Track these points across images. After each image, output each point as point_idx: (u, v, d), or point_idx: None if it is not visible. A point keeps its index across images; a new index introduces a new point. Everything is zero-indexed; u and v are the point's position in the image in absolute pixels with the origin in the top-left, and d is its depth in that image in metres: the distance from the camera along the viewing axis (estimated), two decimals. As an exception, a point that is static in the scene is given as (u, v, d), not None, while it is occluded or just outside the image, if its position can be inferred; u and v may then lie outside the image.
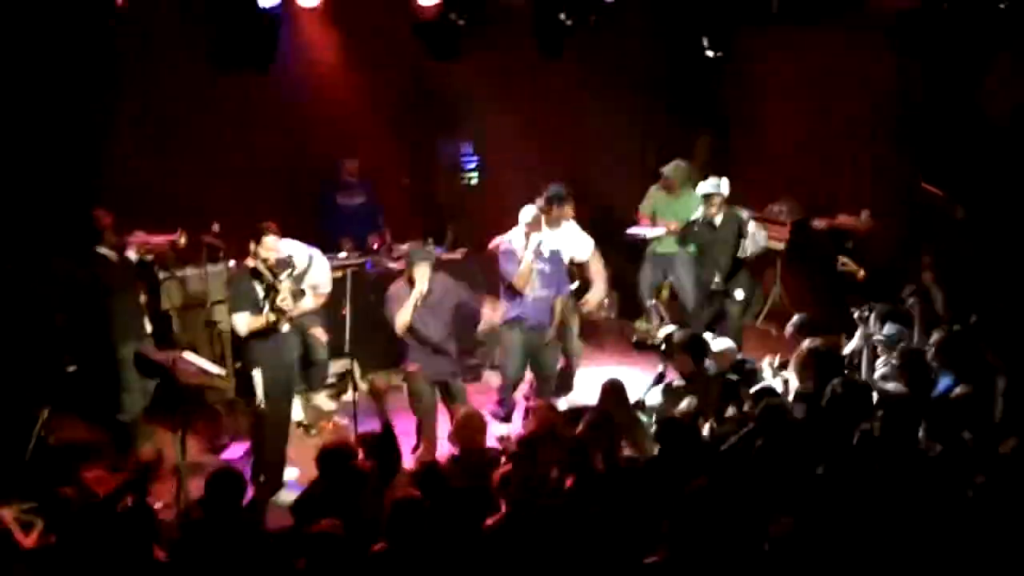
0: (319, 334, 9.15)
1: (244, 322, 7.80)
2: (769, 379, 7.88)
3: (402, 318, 8.36)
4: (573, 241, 9.36)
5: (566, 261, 9.27)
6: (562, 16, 10.43)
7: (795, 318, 8.50)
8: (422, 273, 8.34)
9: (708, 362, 7.99)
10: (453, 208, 11.67)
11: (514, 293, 8.84)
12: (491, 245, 9.25)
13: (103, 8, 9.10)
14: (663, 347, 8.35)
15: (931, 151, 10.46)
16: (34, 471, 7.94)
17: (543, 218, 8.95)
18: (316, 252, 9.28)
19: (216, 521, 5.50)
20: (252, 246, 7.85)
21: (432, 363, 8.54)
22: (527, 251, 8.79)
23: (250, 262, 7.86)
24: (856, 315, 8.38)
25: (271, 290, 7.86)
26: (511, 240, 8.94)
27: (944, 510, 5.31)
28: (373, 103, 11.14)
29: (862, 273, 9.55)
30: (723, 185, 10.05)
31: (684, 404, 7.49)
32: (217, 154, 10.30)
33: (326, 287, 9.25)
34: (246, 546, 5.41)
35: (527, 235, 8.85)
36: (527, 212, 8.89)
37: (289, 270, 7.95)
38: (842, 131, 11.59)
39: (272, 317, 7.82)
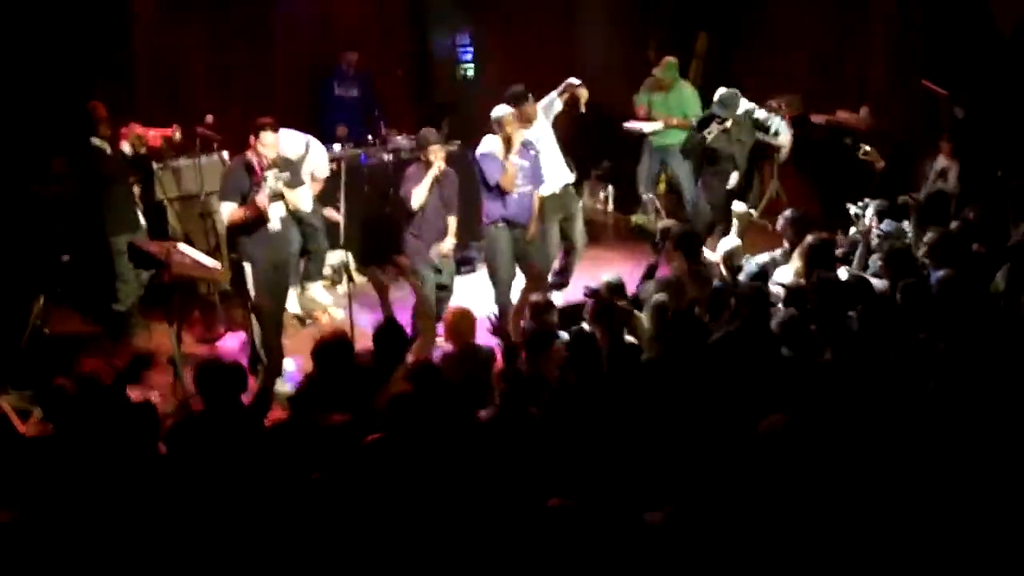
0: (330, 214, 9.06)
1: (227, 211, 7.76)
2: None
3: (418, 195, 8.36)
4: (545, 135, 9.32)
5: (543, 152, 9.16)
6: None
7: (787, 212, 8.42)
8: (437, 153, 8.38)
9: (706, 255, 7.99)
10: (448, 100, 11.54)
11: (498, 194, 8.74)
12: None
13: None
14: (657, 241, 8.31)
15: (935, 52, 10.35)
16: (30, 361, 7.98)
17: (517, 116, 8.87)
18: (312, 139, 9.23)
19: (215, 413, 5.50)
20: (251, 140, 7.77)
21: (433, 249, 8.55)
22: (513, 151, 8.69)
23: (249, 155, 7.78)
24: (852, 211, 8.34)
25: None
26: (487, 143, 8.85)
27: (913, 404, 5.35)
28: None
29: (882, 163, 9.50)
30: (743, 105, 10.01)
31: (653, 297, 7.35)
32: (214, 47, 10.17)
33: (323, 171, 9.28)
34: (250, 437, 5.42)
35: (507, 137, 8.75)
36: (499, 111, 8.78)
37: (275, 170, 7.86)
38: (845, 29, 11.46)
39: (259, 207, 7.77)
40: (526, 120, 9.00)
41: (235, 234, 7.89)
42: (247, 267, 7.86)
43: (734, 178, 10.16)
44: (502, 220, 8.72)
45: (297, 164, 8.59)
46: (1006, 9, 9.92)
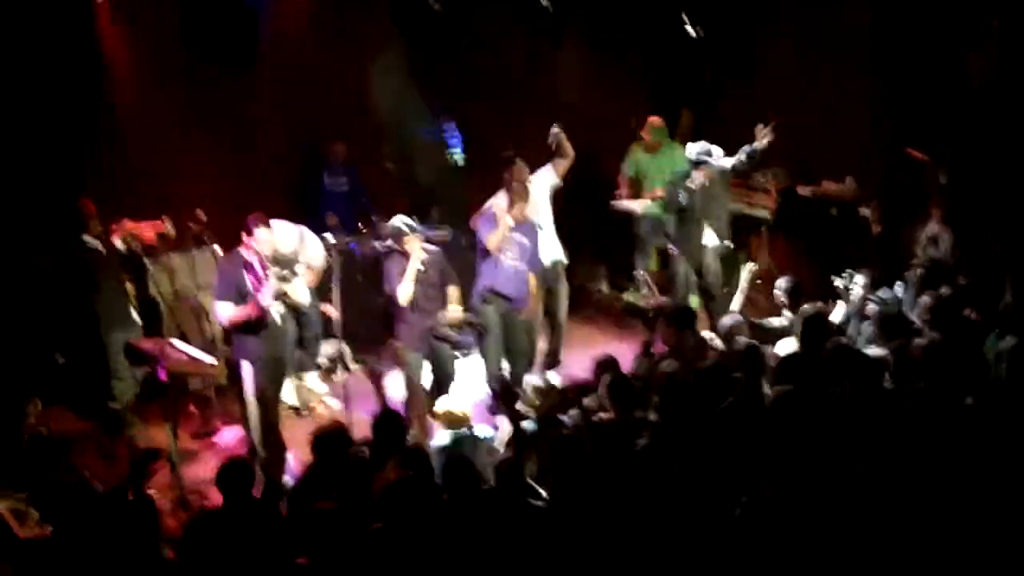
0: (328, 310, 9.04)
1: (226, 311, 7.77)
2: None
3: (404, 290, 8.33)
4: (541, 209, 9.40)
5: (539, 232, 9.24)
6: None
7: (783, 281, 8.45)
8: (413, 245, 8.36)
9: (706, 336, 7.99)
10: (438, 188, 11.61)
11: (492, 264, 8.77)
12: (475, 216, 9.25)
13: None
14: (651, 316, 8.33)
15: (915, 118, 10.46)
16: (26, 461, 7.93)
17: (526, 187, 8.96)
18: (305, 230, 9.25)
19: (234, 510, 5.49)
20: (244, 237, 7.82)
21: (426, 336, 8.54)
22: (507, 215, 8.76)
23: (243, 252, 7.82)
24: (839, 284, 8.38)
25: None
26: (492, 204, 8.93)
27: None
28: (358, 88, 11.14)
29: (879, 228, 9.55)
30: (715, 154, 9.91)
31: (664, 365, 7.35)
32: (203, 143, 10.22)
33: (319, 261, 9.24)
34: (266, 533, 5.40)
35: (512, 203, 8.81)
36: (517, 186, 8.88)
37: (276, 268, 7.91)
38: (827, 103, 11.58)
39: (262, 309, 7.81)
40: (519, 182, 9.05)
41: (232, 333, 7.89)
42: (245, 365, 7.85)
43: (711, 236, 10.06)
44: (490, 292, 8.74)
45: (292, 257, 8.64)
46: (978, 68, 10.04)
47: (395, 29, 10.32)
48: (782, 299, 8.23)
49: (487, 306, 8.86)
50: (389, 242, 9.03)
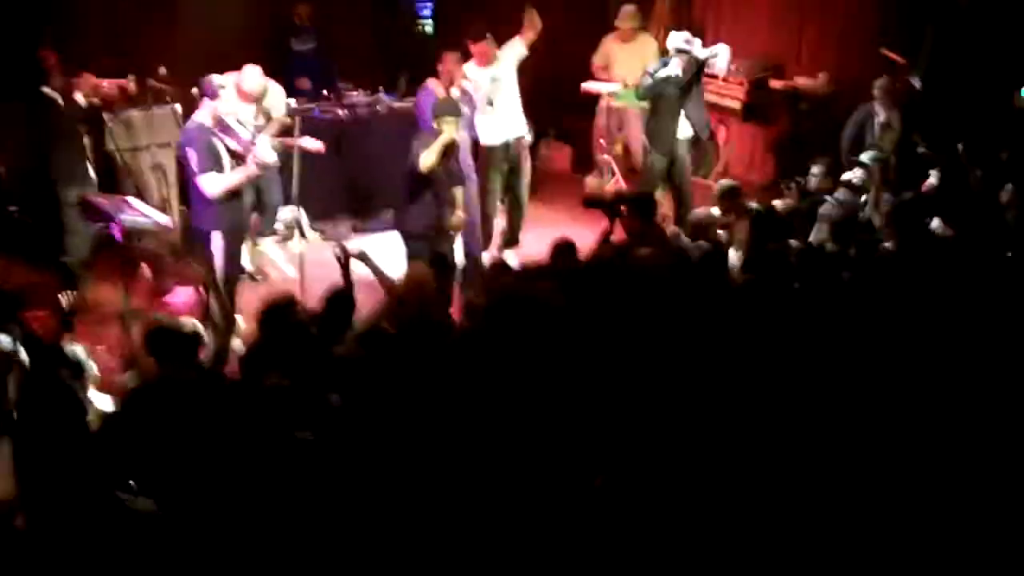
0: (306, 145, 8.76)
1: (217, 182, 7.60)
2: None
3: (427, 159, 7.99)
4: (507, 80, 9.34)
5: (504, 99, 9.22)
6: None
7: (720, 184, 8.43)
8: (449, 126, 8.06)
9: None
10: (407, 55, 11.45)
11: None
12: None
13: None
14: (612, 205, 8.26)
15: (893, 19, 10.36)
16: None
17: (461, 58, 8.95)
18: (270, 81, 9.15)
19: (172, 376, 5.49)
20: (205, 100, 7.66)
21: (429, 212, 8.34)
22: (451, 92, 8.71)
23: (205, 119, 7.67)
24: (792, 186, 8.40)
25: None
26: (432, 84, 8.86)
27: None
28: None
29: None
30: (696, 45, 9.72)
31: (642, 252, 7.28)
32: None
33: (279, 110, 9.17)
34: (214, 396, 5.40)
35: (449, 78, 8.76)
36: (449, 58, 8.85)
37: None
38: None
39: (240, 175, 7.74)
40: (482, 59, 9.01)
41: (198, 200, 7.75)
42: (217, 236, 7.78)
43: (686, 126, 9.91)
44: None
45: (262, 94, 8.72)
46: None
47: None
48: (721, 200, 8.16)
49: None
50: (360, 107, 8.85)
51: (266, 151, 8.12)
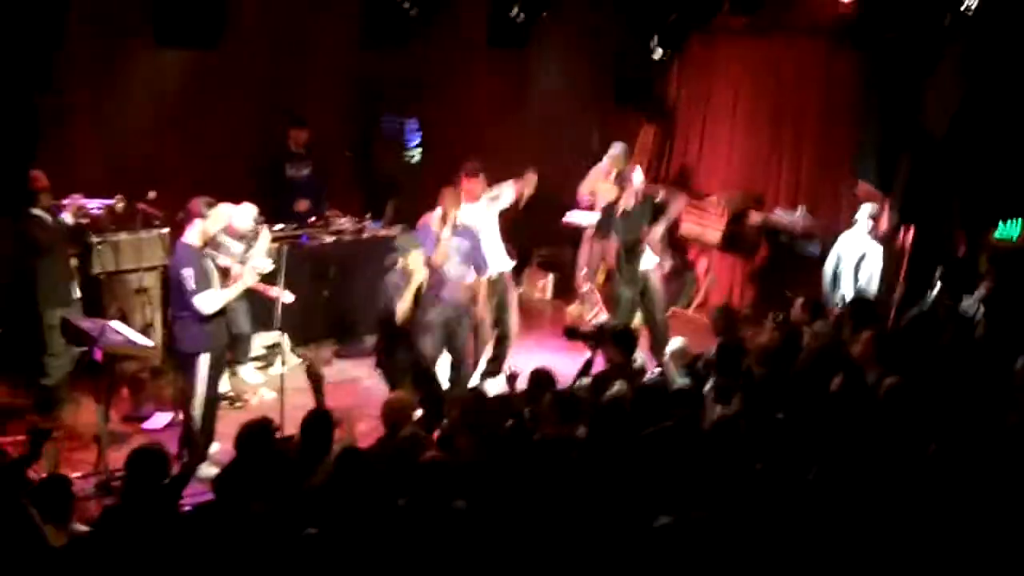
0: (277, 293, 8.65)
1: (213, 300, 7.67)
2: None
3: (402, 308, 8.30)
4: (488, 222, 9.46)
5: (484, 238, 9.27)
6: (514, 11, 10.47)
7: (716, 311, 8.55)
8: (416, 261, 8.32)
9: (638, 355, 8.04)
10: (394, 184, 11.61)
11: (433, 271, 8.81)
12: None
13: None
14: (593, 337, 8.30)
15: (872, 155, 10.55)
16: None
17: (459, 193, 9.03)
18: (264, 229, 9.24)
19: (136, 500, 5.45)
20: (198, 223, 7.77)
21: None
22: (445, 227, 8.79)
23: (194, 240, 7.77)
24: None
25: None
26: (430, 218, 8.97)
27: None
28: (321, 79, 11.15)
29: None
30: (635, 175, 9.98)
31: (616, 387, 7.38)
32: (160, 125, 10.17)
33: (264, 264, 9.03)
34: (163, 525, 5.36)
35: (444, 213, 8.86)
36: (447, 193, 8.93)
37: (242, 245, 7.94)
38: (784, 132, 11.70)
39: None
40: (471, 196, 9.16)
41: (184, 321, 7.80)
42: (204, 359, 7.80)
43: (651, 256, 10.01)
44: (435, 297, 8.76)
45: (249, 235, 8.83)
46: (939, 107, 10.10)
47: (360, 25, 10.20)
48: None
49: (430, 308, 8.86)
50: (348, 234, 8.90)
51: (262, 260, 8.26)
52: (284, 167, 10.77)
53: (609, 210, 10.05)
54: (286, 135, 10.84)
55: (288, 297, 8.58)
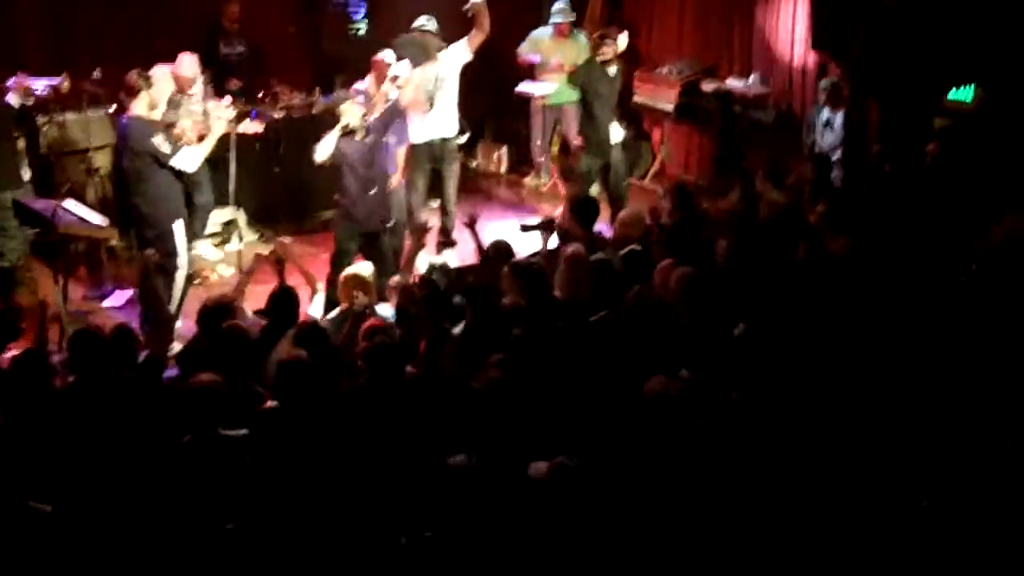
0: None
1: (193, 156, 7.75)
2: None
3: (322, 150, 8.27)
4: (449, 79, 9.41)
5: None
6: None
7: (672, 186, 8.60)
8: (349, 108, 8.29)
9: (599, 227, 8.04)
10: (341, 56, 11.44)
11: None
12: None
13: None
14: (546, 226, 8.19)
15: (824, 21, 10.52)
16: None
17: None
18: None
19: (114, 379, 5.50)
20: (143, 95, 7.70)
21: (362, 207, 8.43)
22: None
23: (142, 110, 7.70)
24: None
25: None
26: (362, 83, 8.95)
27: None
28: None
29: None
30: (621, 38, 9.93)
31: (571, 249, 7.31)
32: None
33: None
34: (146, 402, 5.42)
35: (379, 74, 8.80)
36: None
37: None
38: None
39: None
40: (426, 54, 9.11)
41: (161, 200, 7.81)
42: (179, 227, 7.85)
43: (618, 130, 10.09)
44: None
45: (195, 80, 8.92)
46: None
47: None
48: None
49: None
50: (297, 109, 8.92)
51: (224, 110, 8.43)
52: (218, 45, 10.50)
53: (587, 69, 9.96)
54: (219, 11, 10.54)
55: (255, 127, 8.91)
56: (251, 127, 9.23)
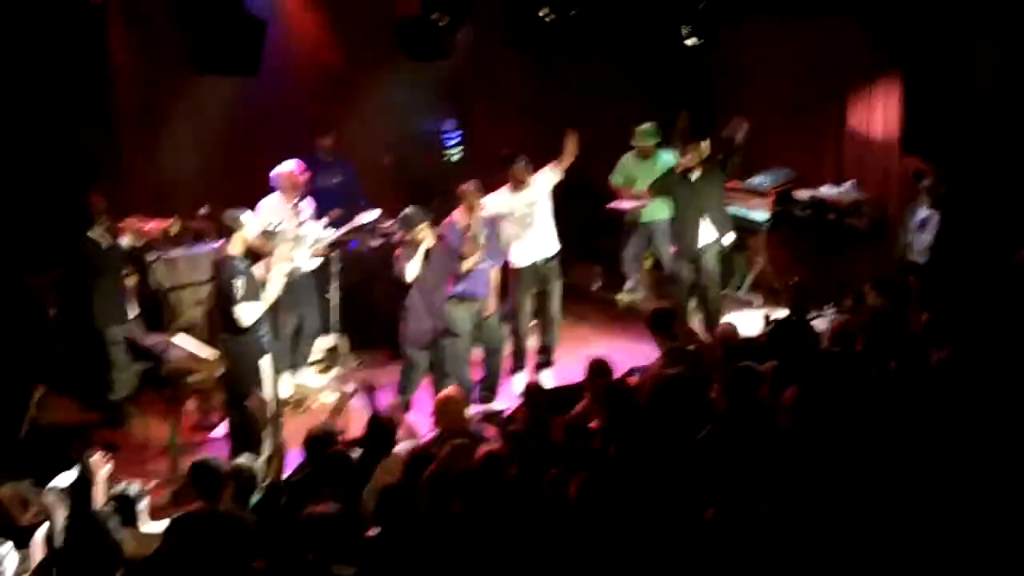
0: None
1: (252, 311, 7.82)
2: None
3: (411, 270, 8.58)
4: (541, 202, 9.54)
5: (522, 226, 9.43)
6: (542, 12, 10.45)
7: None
8: (424, 232, 8.60)
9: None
10: (435, 186, 11.67)
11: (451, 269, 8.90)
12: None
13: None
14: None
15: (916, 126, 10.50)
16: (28, 450, 8.08)
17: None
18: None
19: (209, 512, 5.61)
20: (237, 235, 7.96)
21: (428, 321, 8.70)
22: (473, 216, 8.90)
23: (235, 250, 7.94)
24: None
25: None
26: (454, 219, 9.03)
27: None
28: (357, 83, 11.34)
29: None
30: (704, 145, 10.01)
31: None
32: (205, 144, 10.39)
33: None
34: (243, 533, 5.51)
35: (469, 205, 8.95)
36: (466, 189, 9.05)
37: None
38: (823, 107, 11.66)
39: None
40: (517, 182, 9.28)
41: (244, 331, 7.96)
42: (266, 362, 7.97)
43: (709, 230, 10.06)
44: (459, 296, 8.88)
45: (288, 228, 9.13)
46: (985, 70, 10.01)
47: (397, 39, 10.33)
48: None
49: (456, 310, 8.97)
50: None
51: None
52: (314, 178, 10.71)
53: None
54: (313, 146, 10.86)
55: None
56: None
